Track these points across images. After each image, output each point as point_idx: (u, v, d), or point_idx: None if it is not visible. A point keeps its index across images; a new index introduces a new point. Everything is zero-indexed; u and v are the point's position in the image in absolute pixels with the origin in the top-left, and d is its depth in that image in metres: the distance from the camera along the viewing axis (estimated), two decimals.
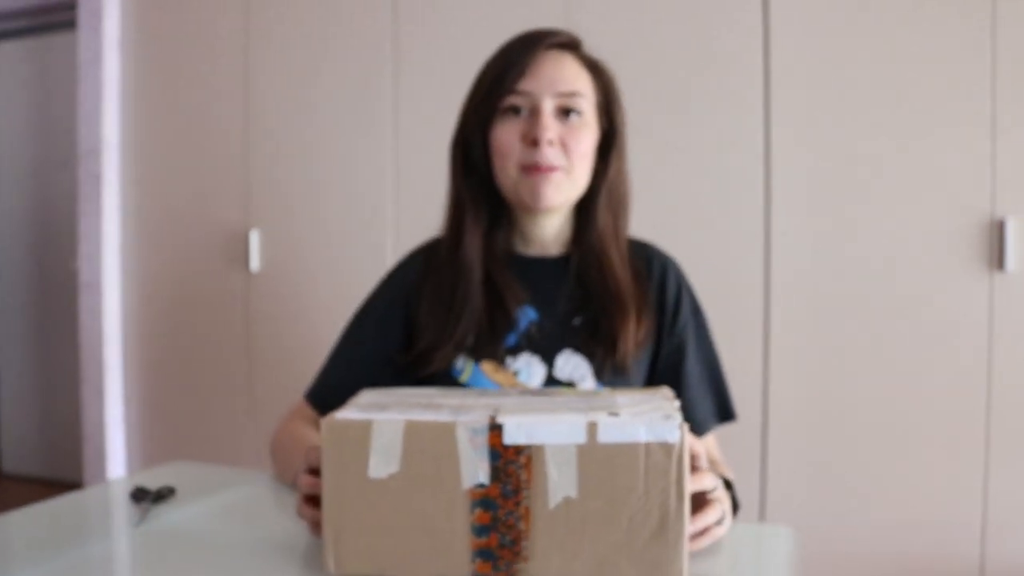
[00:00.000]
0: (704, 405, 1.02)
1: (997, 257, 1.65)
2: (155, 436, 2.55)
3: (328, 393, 1.01)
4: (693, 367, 1.02)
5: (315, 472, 0.70)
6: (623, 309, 0.96)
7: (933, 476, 1.69)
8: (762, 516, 1.81)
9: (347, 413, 0.64)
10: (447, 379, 0.96)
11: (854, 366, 1.75)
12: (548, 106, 0.92)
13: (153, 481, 0.92)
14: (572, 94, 0.93)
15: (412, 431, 0.61)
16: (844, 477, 1.76)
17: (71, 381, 2.88)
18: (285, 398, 1.51)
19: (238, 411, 2.38)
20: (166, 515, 0.82)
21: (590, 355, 0.96)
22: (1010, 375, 1.64)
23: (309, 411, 1.04)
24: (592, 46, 1.01)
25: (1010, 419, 1.64)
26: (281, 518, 0.81)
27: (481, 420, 0.61)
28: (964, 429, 1.67)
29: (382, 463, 0.61)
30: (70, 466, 2.97)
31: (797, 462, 1.79)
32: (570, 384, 0.95)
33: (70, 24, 2.84)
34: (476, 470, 0.61)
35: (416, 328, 0.99)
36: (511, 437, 0.61)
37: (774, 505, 1.80)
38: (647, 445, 0.60)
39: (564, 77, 0.93)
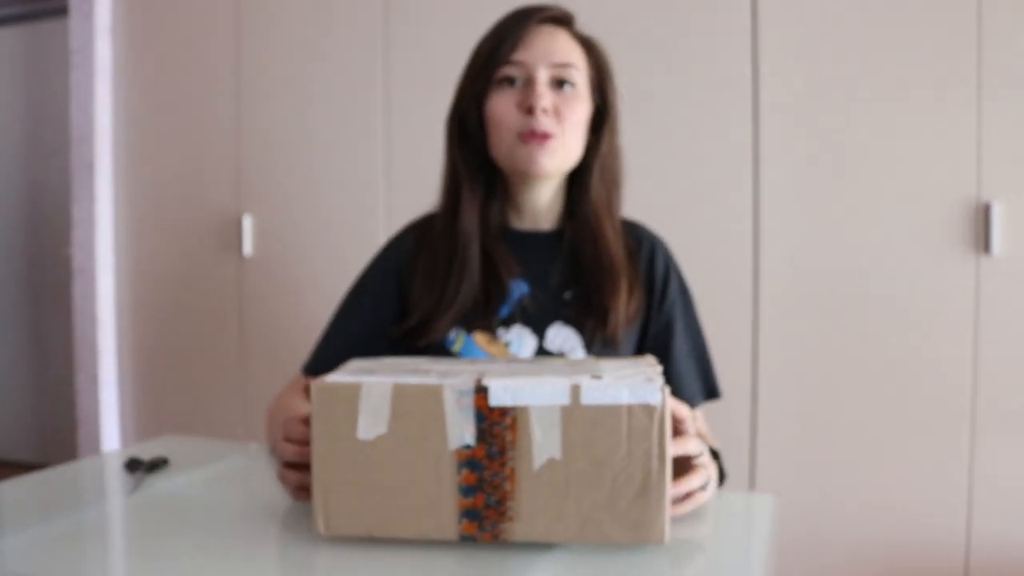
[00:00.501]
0: (690, 383, 1.03)
1: (983, 241, 1.66)
2: (149, 421, 2.56)
3: (324, 365, 1.02)
4: (680, 346, 1.03)
5: (292, 441, 0.71)
6: (615, 282, 0.97)
7: (920, 456, 1.71)
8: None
9: (336, 377, 0.65)
10: (440, 350, 0.97)
11: (841, 350, 1.77)
12: (543, 76, 0.94)
13: (147, 453, 0.93)
14: (566, 65, 0.95)
15: (400, 393, 0.62)
16: (832, 458, 1.77)
17: (65, 367, 2.88)
18: (278, 382, 1.51)
19: (232, 396, 2.39)
20: (159, 484, 0.83)
21: (580, 327, 0.97)
22: (996, 358, 1.66)
23: (305, 383, 1.05)
24: (581, 26, 1.02)
25: (995, 401, 1.66)
26: (272, 485, 0.82)
27: (467, 382, 0.62)
28: (950, 411, 1.69)
29: (370, 425, 0.63)
30: (64, 452, 2.98)
31: (785, 443, 1.81)
32: (560, 356, 0.96)
33: (62, 11, 2.83)
34: (462, 431, 0.62)
35: (410, 301, 1.01)
36: (496, 399, 0.62)
37: (762, 485, 1.82)
38: (629, 407, 0.61)
39: (558, 49, 0.95)
